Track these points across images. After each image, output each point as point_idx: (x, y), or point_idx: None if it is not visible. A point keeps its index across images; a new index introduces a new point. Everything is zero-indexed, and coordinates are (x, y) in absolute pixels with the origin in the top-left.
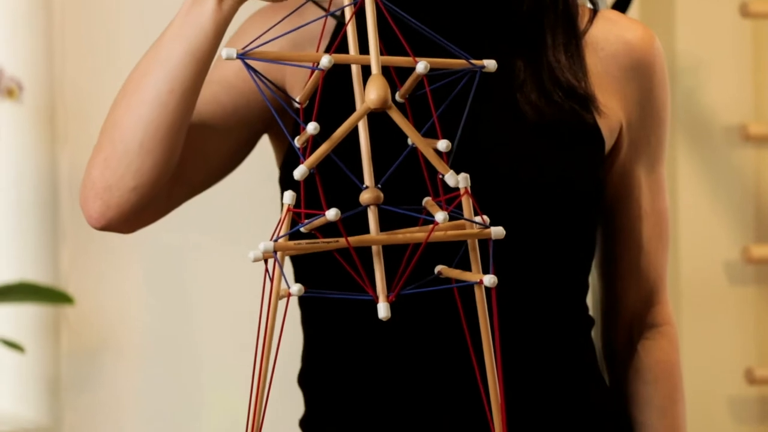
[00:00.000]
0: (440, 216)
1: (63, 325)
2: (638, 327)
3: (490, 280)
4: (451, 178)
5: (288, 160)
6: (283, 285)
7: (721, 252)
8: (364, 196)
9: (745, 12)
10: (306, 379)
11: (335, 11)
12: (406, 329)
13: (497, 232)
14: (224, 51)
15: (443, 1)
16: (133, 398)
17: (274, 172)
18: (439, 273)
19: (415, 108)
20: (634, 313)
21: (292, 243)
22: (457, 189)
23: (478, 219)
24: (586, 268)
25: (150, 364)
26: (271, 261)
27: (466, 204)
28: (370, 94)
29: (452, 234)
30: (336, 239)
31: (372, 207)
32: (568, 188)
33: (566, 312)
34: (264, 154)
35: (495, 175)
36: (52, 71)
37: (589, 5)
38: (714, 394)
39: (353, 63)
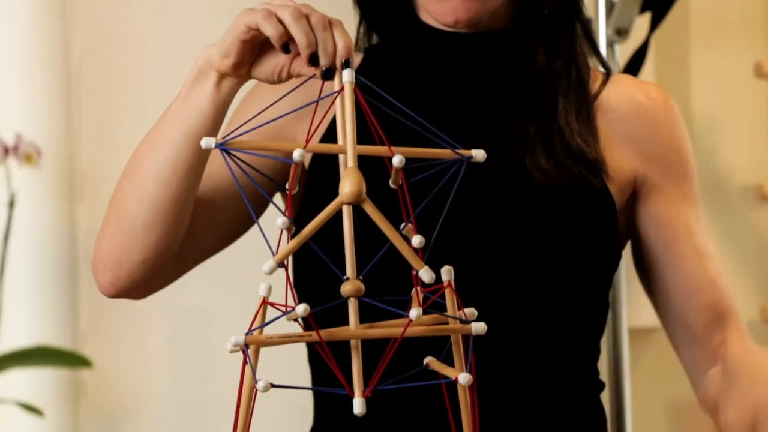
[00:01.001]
0: (413, 313)
1: (82, 388)
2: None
3: (464, 378)
4: (425, 273)
5: (300, 217)
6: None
7: (741, 312)
8: (345, 288)
9: (759, 72)
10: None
11: (326, 96)
12: (414, 395)
13: (477, 327)
14: (203, 141)
15: (457, 64)
16: None
17: None
18: (427, 365)
19: (412, 193)
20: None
21: (263, 337)
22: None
23: (470, 310)
24: (597, 330)
25: (171, 428)
26: (251, 349)
27: (449, 298)
28: (345, 188)
29: (431, 329)
30: (309, 333)
31: (352, 299)
32: (577, 248)
33: (577, 376)
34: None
35: (502, 237)
36: (70, 137)
37: (602, 69)
38: None
39: (328, 152)
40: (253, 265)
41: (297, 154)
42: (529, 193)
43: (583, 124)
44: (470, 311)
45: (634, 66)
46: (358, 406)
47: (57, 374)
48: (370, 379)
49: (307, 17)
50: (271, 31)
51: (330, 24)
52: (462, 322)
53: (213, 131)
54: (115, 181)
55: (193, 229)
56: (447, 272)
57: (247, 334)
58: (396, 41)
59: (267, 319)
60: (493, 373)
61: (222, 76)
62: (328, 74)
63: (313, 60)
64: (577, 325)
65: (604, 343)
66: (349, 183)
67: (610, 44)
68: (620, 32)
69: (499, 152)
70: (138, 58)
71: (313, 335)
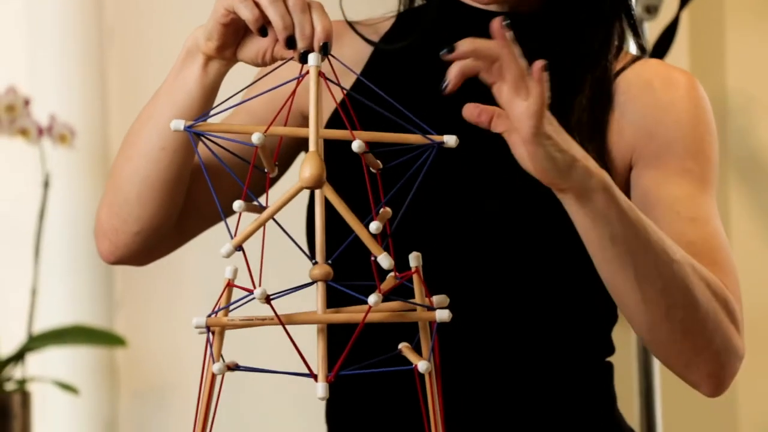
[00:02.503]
0: (372, 299)
1: (117, 366)
2: None
3: (423, 366)
4: (384, 259)
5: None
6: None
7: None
8: (313, 272)
9: None
10: (331, 415)
11: (290, 80)
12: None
13: (441, 315)
14: (173, 123)
15: (481, 33)
16: None
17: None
18: (400, 350)
19: (394, 177)
20: None
21: (225, 319)
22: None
23: (440, 297)
24: (607, 316)
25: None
26: (214, 331)
27: (417, 284)
28: (305, 171)
29: (393, 315)
30: (271, 317)
31: (320, 283)
32: (566, 227)
33: (586, 360)
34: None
35: (497, 220)
36: (104, 117)
37: (634, 51)
38: None
39: (292, 135)
40: (287, 240)
41: (255, 138)
42: (525, 180)
43: (592, 121)
44: (441, 298)
45: (662, 45)
46: (321, 390)
47: (92, 353)
48: (340, 363)
49: (285, 0)
50: (246, 14)
51: (309, 6)
52: (428, 309)
53: (201, 111)
54: None
55: (196, 198)
56: (415, 258)
57: (209, 316)
58: (426, 10)
59: (237, 303)
60: (490, 353)
61: (208, 59)
62: (306, 57)
63: (291, 43)
64: (590, 310)
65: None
66: (309, 167)
67: (639, 22)
68: (649, 10)
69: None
70: (171, 40)
71: (275, 319)
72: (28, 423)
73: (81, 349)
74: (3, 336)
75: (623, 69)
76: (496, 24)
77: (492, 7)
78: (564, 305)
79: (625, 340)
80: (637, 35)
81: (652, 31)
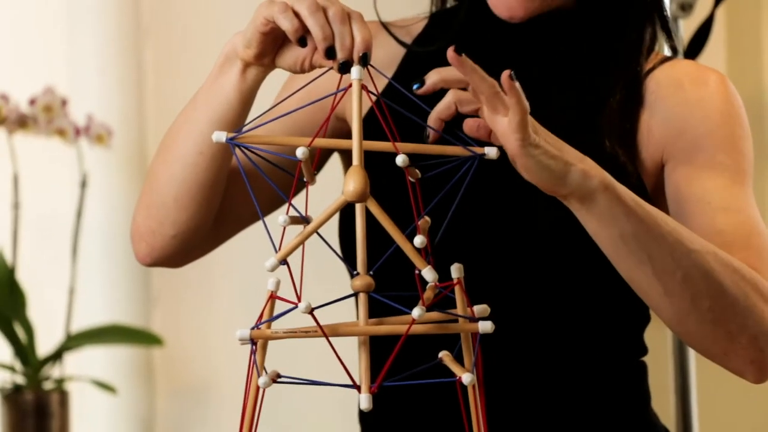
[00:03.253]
0: (416, 312)
1: (154, 365)
2: None
3: (468, 378)
4: (428, 273)
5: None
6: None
7: None
8: (355, 283)
9: None
10: (368, 425)
11: (335, 93)
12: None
13: (485, 326)
14: (214, 135)
15: (506, 50)
16: None
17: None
18: (441, 359)
19: (433, 187)
20: None
21: (269, 331)
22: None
23: (482, 307)
24: (640, 316)
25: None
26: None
27: (459, 295)
28: (349, 185)
29: (436, 327)
30: (314, 328)
31: (362, 295)
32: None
33: (619, 362)
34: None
35: (536, 233)
36: (141, 117)
37: (667, 52)
38: None
39: (336, 147)
40: (324, 249)
41: (300, 153)
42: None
43: (623, 123)
44: (482, 308)
45: (697, 43)
46: (364, 401)
47: (129, 352)
48: (383, 374)
49: (325, 10)
50: (286, 24)
51: (349, 17)
52: (470, 320)
53: (240, 117)
54: None
55: (233, 200)
56: (457, 270)
57: (253, 328)
58: (457, 12)
59: (276, 313)
60: (527, 359)
61: (247, 65)
62: (345, 67)
63: (330, 53)
64: (622, 310)
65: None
66: (353, 182)
67: (674, 20)
68: (684, 7)
69: (547, 125)
70: (207, 40)
71: (319, 331)
72: (66, 422)
73: (118, 348)
74: (41, 335)
75: (653, 69)
76: (451, 53)
77: (518, 14)
78: (597, 309)
79: (660, 338)
80: (670, 36)
81: (686, 28)
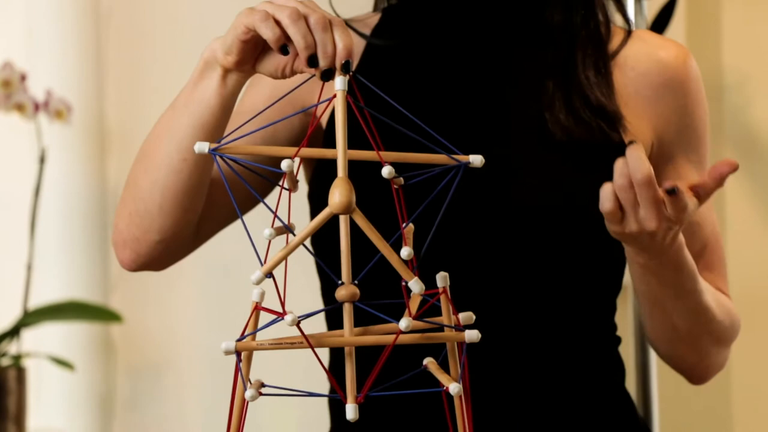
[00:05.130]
0: (403, 323)
1: (113, 342)
2: None
3: (455, 389)
4: (415, 284)
5: (317, 173)
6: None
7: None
8: (340, 293)
9: None
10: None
11: (319, 103)
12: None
13: (471, 335)
14: (197, 146)
15: (473, 23)
16: (185, 415)
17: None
18: (426, 366)
19: (417, 192)
20: None
21: (254, 343)
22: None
23: (467, 314)
24: (614, 289)
25: (201, 380)
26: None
27: (444, 304)
28: (334, 197)
29: (423, 337)
30: (300, 339)
31: (347, 305)
32: (596, 212)
33: (595, 331)
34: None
35: (522, 200)
36: (100, 93)
37: (624, 26)
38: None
39: (321, 157)
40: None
41: (285, 165)
42: (550, 154)
43: (602, 78)
44: (467, 315)
45: (661, 21)
46: (350, 411)
47: (88, 329)
48: (369, 383)
49: (306, 18)
50: (268, 34)
51: (330, 24)
52: (456, 329)
53: (221, 122)
54: (144, 136)
55: (213, 202)
56: (442, 279)
57: (238, 340)
58: (411, 1)
59: (260, 325)
60: (513, 339)
61: (227, 71)
62: (328, 75)
63: (312, 61)
64: (594, 283)
65: (631, 325)
66: (339, 193)
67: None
68: None
69: (520, 110)
70: (167, 13)
71: (304, 342)
72: (23, 398)
73: (76, 324)
74: None
75: (622, 45)
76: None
77: None
78: (594, 279)
79: (621, 316)
80: (620, 7)
81: (650, 7)
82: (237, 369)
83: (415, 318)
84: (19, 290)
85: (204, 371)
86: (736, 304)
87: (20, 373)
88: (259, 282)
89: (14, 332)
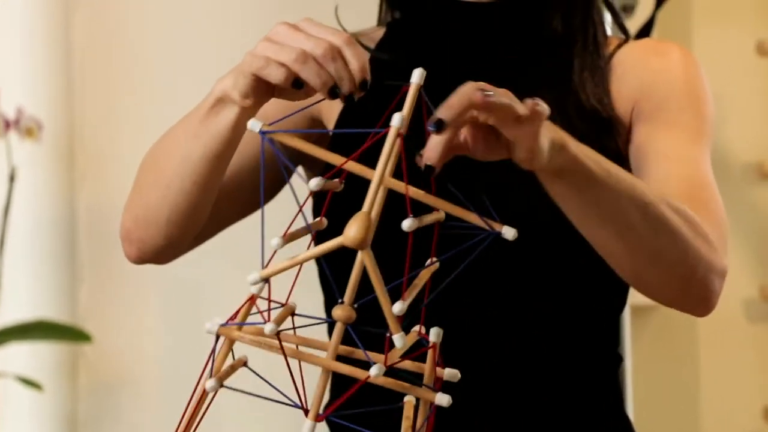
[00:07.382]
0: (374, 370)
1: (81, 362)
2: None
3: None
4: (399, 339)
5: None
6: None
7: (740, 289)
8: (336, 312)
9: (762, 50)
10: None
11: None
12: None
13: (441, 399)
14: (250, 123)
15: (476, 35)
16: None
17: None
18: (402, 405)
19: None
20: None
21: (236, 333)
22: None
23: (452, 372)
24: (616, 306)
25: (167, 401)
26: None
27: (430, 360)
28: (351, 231)
29: (396, 384)
30: (279, 347)
31: (339, 325)
32: None
33: (596, 353)
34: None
35: (520, 217)
36: (72, 111)
37: (621, 35)
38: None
39: (365, 176)
40: (255, 244)
41: (313, 184)
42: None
43: (598, 84)
44: (452, 373)
45: (641, 35)
46: (307, 427)
47: (56, 349)
48: (333, 407)
49: (313, 55)
50: (277, 78)
51: (339, 50)
52: (431, 388)
53: (234, 149)
54: (115, 155)
55: (218, 205)
56: (435, 334)
57: (222, 325)
58: (416, 14)
59: (253, 318)
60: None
61: (245, 109)
62: (350, 98)
63: (333, 94)
64: (595, 299)
65: None
66: (356, 228)
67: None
68: (626, 8)
69: None
70: (140, 31)
71: (281, 350)
72: None
73: (43, 344)
74: None
75: (617, 49)
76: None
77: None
78: (598, 296)
79: None
80: (616, 17)
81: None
82: (212, 353)
83: (390, 375)
84: None
85: (168, 391)
86: (703, 325)
87: None
88: (255, 283)
89: None
